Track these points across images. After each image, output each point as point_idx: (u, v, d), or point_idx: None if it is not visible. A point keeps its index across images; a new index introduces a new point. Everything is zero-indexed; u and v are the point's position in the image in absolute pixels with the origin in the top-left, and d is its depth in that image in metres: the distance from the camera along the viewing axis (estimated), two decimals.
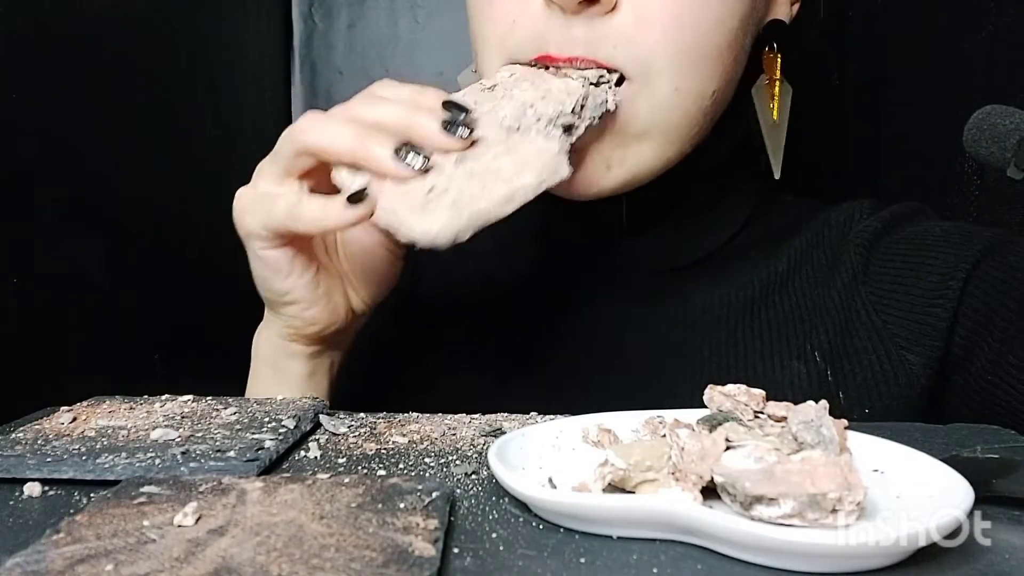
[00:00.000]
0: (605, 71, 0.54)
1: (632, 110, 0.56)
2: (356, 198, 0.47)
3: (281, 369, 0.59)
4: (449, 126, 0.47)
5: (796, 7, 0.66)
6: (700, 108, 0.58)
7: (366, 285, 0.58)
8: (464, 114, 0.48)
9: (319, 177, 0.51)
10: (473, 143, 0.48)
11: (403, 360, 0.70)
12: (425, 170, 0.47)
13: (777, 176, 0.69)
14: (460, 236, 0.46)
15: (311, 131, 0.50)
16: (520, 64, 0.54)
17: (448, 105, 0.49)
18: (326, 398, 0.60)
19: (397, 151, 0.47)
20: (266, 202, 0.51)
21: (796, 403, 0.37)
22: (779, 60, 0.66)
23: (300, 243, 0.54)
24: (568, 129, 0.49)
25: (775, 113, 0.67)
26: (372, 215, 0.48)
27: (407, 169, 0.47)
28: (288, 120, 1.10)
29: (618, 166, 0.58)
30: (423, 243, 0.46)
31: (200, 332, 0.87)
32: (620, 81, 0.55)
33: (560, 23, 0.54)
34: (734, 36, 0.58)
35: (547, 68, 0.54)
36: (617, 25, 0.54)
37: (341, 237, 0.57)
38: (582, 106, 0.49)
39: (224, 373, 0.66)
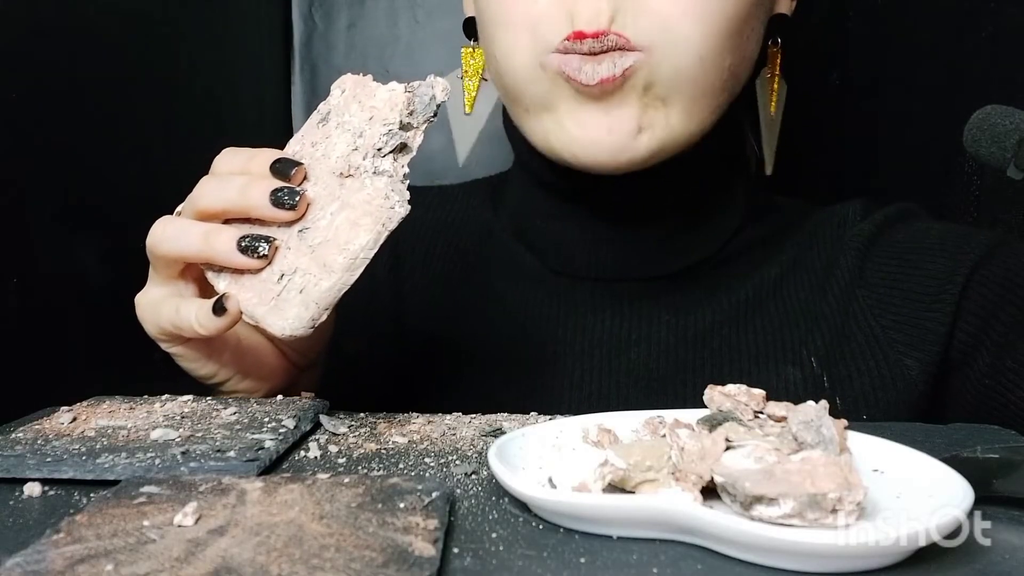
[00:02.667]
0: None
1: (656, 74, 0.57)
2: (219, 307, 0.47)
3: None
4: (279, 194, 0.47)
5: (794, 4, 0.67)
6: (720, 78, 0.59)
7: (292, 344, 0.57)
8: (294, 168, 0.48)
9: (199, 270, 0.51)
10: (308, 205, 0.48)
11: (395, 375, 0.69)
12: (272, 253, 0.47)
13: (769, 172, 0.69)
14: (316, 322, 0.46)
15: (160, 239, 0.50)
16: (393, 90, 0.50)
17: (275, 168, 0.48)
18: None
19: (242, 240, 0.47)
20: (155, 307, 0.51)
21: None
22: (780, 55, 0.66)
23: None
24: (403, 148, 0.48)
25: (773, 107, 0.68)
26: (241, 315, 0.48)
27: (254, 260, 0.47)
28: (288, 120, 1.10)
29: (648, 129, 0.58)
30: (284, 337, 0.47)
31: None
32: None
33: None
34: (753, 9, 0.59)
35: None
36: None
37: None
38: (411, 112, 0.48)
39: None
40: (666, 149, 0.60)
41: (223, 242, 0.48)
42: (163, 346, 0.52)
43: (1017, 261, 0.59)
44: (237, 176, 0.49)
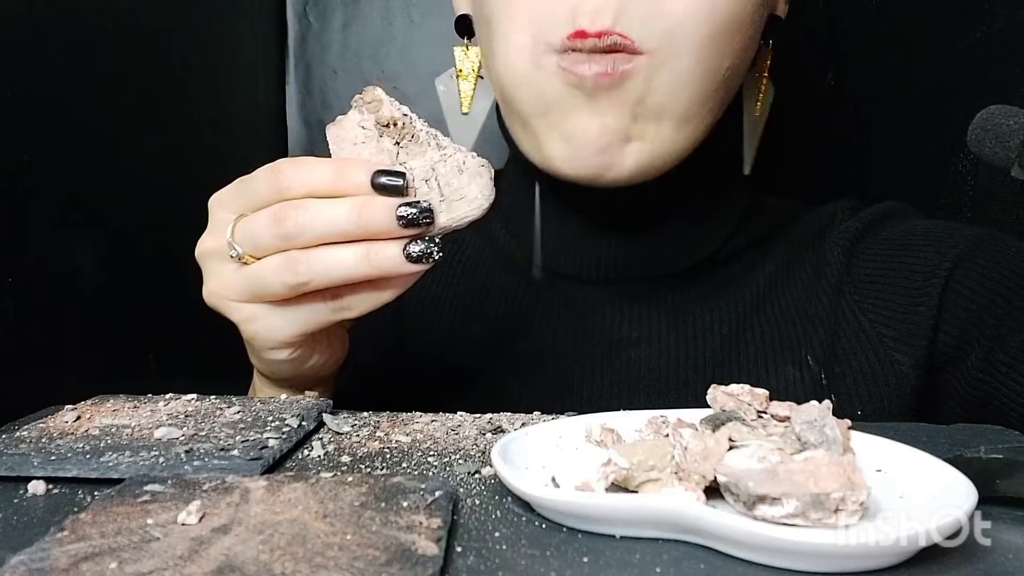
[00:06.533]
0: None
1: (653, 83, 0.56)
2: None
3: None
4: (408, 212, 0.46)
5: (787, 6, 0.67)
6: (715, 84, 0.58)
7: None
8: (401, 180, 0.47)
9: None
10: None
11: (396, 375, 0.69)
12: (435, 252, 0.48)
13: (747, 172, 0.69)
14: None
15: (315, 271, 0.47)
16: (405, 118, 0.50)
17: (380, 185, 0.46)
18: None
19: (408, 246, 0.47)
20: (295, 311, 0.50)
21: None
22: (771, 56, 0.66)
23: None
24: None
25: (758, 108, 0.67)
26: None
27: (424, 263, 0.48)
28: (283, 119, 1.10)
29: (638, 139, 0.58)
30: (486, 209, 0.49)
31: (193, 332, 0.87)
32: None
33: None
34: (754, 10, 0.59)
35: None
36: None
37: None
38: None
39: (218, 372, 0.66)
40: (657, 159, 0.59)
41: (390, 254, 0.47)
42: (283, 355, 0.52)
43: (1003, 254, 0.60)
44: (339, 200, 0.46)
